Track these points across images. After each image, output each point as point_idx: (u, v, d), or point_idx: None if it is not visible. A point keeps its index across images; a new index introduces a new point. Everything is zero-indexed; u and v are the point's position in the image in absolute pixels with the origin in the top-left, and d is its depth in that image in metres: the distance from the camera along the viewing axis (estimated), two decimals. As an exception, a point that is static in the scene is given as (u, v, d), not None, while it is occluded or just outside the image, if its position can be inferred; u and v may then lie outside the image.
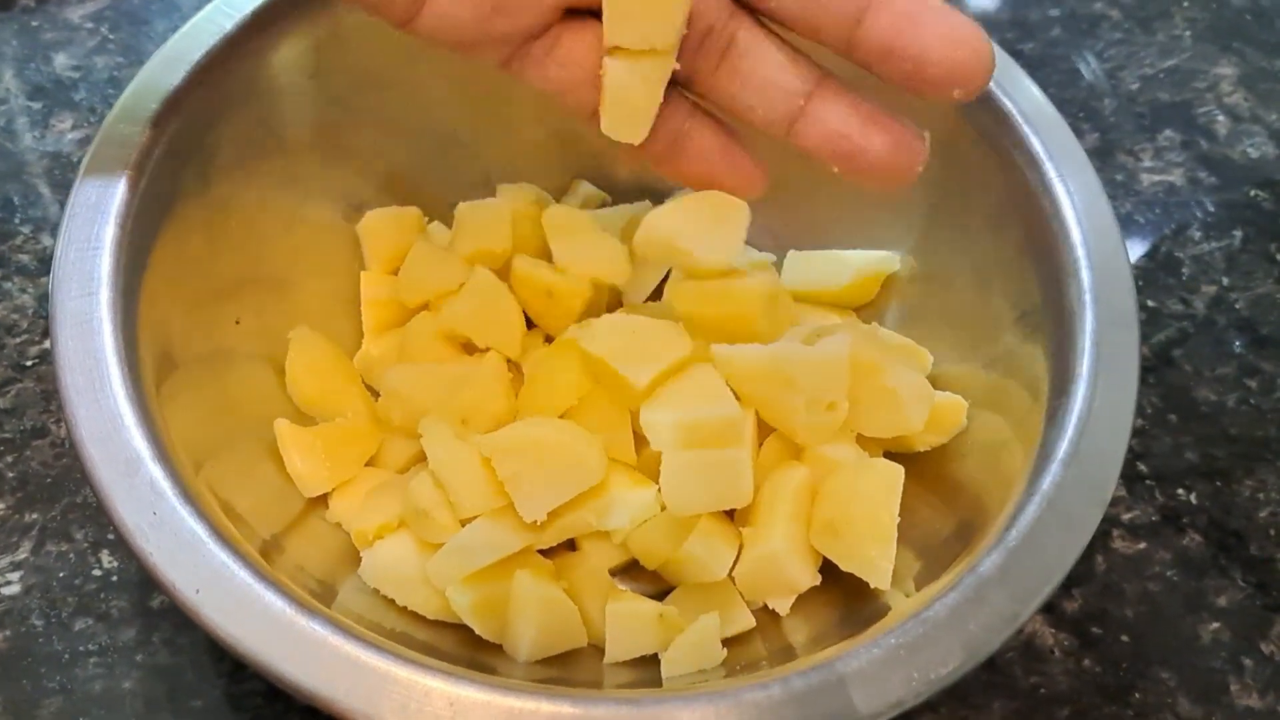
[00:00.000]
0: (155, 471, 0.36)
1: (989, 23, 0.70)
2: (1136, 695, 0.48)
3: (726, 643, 0.43)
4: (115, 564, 0.48)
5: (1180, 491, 0.54)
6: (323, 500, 0.46)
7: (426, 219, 0.54)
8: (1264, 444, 0.55)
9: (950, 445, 0.47)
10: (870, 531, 0.42)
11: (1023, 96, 0.46)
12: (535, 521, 0.42)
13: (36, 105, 0.62)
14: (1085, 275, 0.43)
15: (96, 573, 0.48)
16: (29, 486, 0.50)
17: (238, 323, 0.47)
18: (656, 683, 0.42)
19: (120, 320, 0.39)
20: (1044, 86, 0.48)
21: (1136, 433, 0.54)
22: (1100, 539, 0.52)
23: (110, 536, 0.49)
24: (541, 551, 0.45)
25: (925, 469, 0.46)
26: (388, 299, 0.51)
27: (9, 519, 0.49)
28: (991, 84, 0.46)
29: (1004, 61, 0.48)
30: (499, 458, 0.42)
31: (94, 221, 0.40)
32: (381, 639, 0.35)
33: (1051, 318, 0.44)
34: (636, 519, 0.44)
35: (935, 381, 0.48)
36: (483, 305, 0.49)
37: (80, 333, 0.38)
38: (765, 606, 0.45)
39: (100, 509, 0.36)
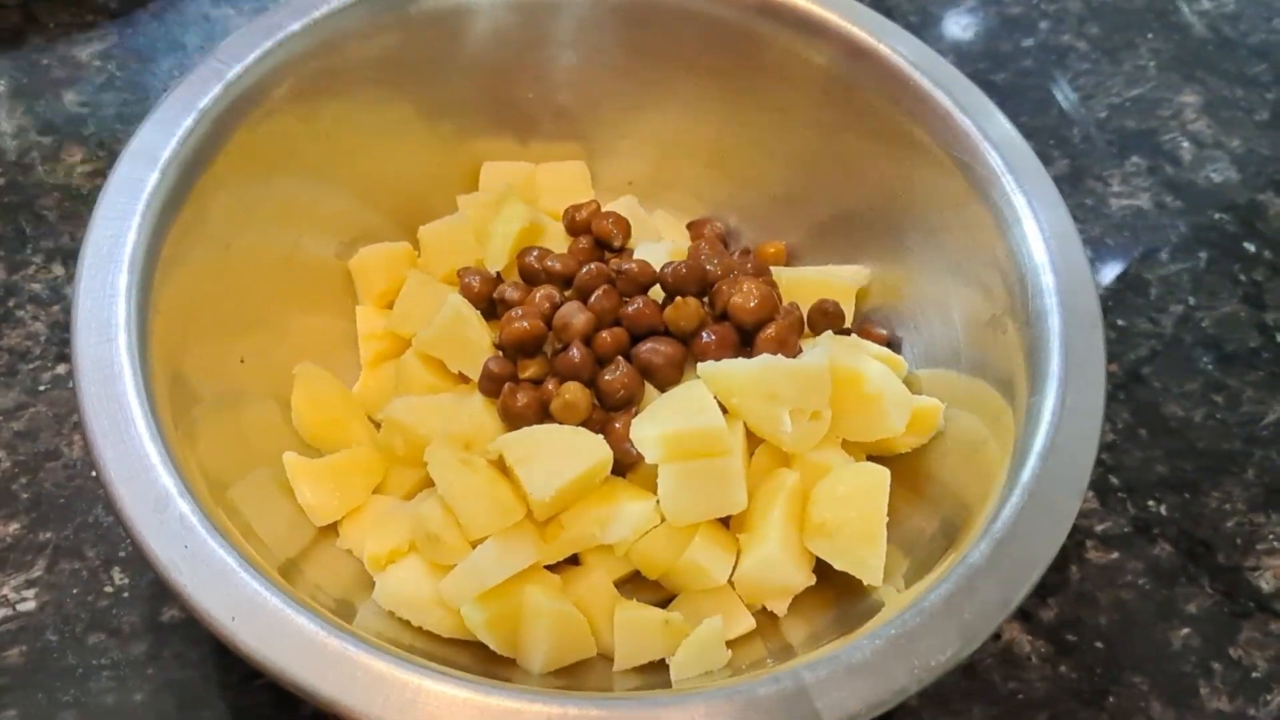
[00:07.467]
0: (184, 507, 0.37)
1: (963, 53, 0.71)
2: (1111, 699, 0.50)
3: (729, 644, 0.45)
4: (126, 580, 0.50)
5: (1151, 503, 0.56)
6: (333, 528, 0.48)
7: (417, 254, 0.55)
8: (1230, 457, 0.57)
9: (929, 446, 0.49)
10: (861, 531, 0.44)
11: (985, 120, 0.49)
12: (542, 524, 0.44)
13: (47, 140, 0.64)
14: (1050, 279, 0.45)
15: (108, 589, 0.49)
16: (42, 507, 0.51)
17: (242, 361, 0.48)
18: (664, 687, 0.43)
19: (139, 364, 0.40)
20: (1016, 115, 0.49)
21: (1108, 447, 0.56)
22: (1074, 549, 0.54)
23: (121, 554, 0.50)
24: (548, 567, 0.47)
25: (907, 470, 0.48)
26: (383, 332, 0.53)
27: (24, 538, 0.51)
28: (954, 108, 0.49)
29: (971, 90, 0.50)
30: (509, 447, 0.44)
31: (107, 270, 0.41)
32: (410, 656, 0.37)
33: (1020, 321, 0.46)
34: (638, 530, 0.46)
35: (911, 386, 0.50)
36: (452, 330, 0.50)
37: (102, 378, 0.39)
38: (764, 609, 0.47)
39: (133, 546, 0.37)
